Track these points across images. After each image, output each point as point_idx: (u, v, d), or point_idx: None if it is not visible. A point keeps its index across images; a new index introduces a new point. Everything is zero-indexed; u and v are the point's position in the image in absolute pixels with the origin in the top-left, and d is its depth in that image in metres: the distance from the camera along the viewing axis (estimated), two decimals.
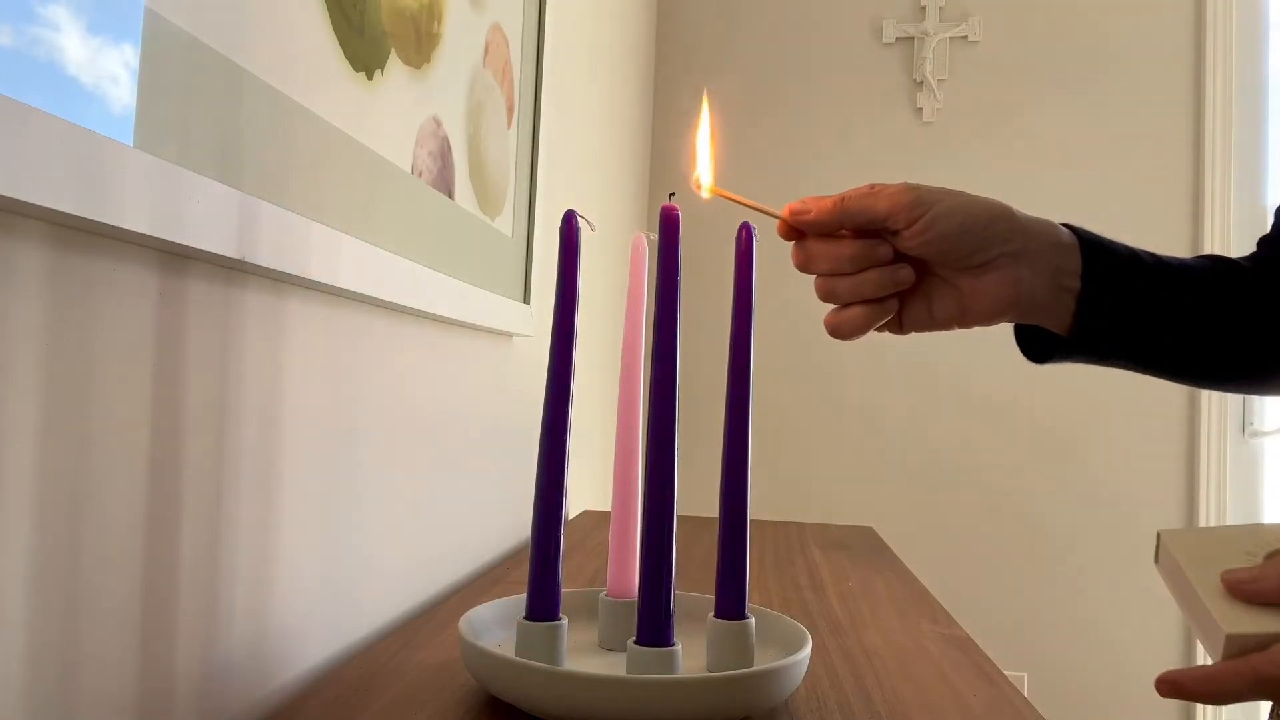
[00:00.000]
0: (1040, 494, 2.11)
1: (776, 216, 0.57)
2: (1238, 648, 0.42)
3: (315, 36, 0.58)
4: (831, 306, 0.57)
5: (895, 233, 0.54)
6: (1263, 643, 0.41)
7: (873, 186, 0.55)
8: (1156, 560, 0.48)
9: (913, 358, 2.19)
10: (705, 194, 0.59)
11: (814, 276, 0.57)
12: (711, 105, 0.58)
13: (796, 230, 0.57)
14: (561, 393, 0.56)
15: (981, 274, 0.56)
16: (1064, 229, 0.58)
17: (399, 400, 0.76)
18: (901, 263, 0.55)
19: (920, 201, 0.53)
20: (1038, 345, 0.62)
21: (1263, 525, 0.47)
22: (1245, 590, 0.42)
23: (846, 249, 0.55)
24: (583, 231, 0.57)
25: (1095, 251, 0.57)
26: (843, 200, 0.55)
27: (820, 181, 2.25)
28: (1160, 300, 0.57)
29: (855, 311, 0.56)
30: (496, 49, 0.95)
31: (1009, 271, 0.56)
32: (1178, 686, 0.42)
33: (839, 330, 0.57)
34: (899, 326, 0.59)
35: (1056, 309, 0.57)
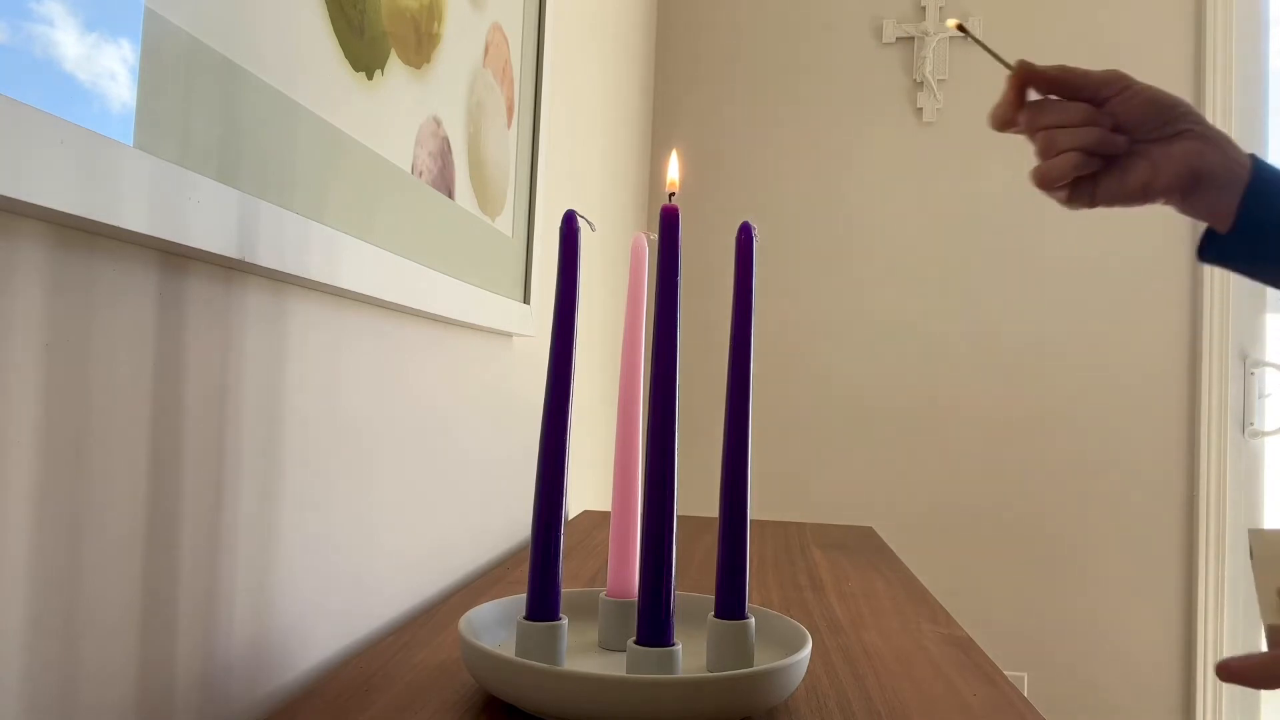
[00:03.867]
0: (1040, 494, 2.11)
1: (1010, 68, 0.68)
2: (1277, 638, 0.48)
3: (315, 36, 0.59)
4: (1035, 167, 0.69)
5: (1104, 101, 0.66)
6: None
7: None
8: (1251, 555, 0.56)
9: (913, 358, 2.19)
10: (950, 24, 0.73)
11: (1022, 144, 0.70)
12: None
13: (1022, 88, 0.68)
14: (561, 393, 0.56)
15: (1171, 143, 0.66)
16: (1239, 148, 0.69)
17: (399, 400, 0.76)
18: (1119, 135, 0.66)
19: (1124, 75, 0.66)
20: (1210, 246, 0.71)
21: None
22: None
23: (1076, 107, 0.66)
24: (583, 231, 0.57)
25: (1263, 164, 0.68)
26: (1063, 66, 0.67)
27: (820, 181, 2.25)
28: None
29: (1066, 157, 0.66)
30: (496, 49, 0.95)
31: (1194, 144, 0.66)
32: (1233, 672, 0.51)
33: (1048, 174, 0.67)
34: (1092, 198, 0.69)
35: (1226, 194, 0.67)
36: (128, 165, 0.40)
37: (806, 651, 0.55)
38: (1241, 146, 0.69)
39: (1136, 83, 0.66)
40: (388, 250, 0.68)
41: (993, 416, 2.15)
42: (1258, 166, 0.67)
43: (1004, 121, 0.70)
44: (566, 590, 0.59)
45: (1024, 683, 2.08)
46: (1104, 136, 0.66)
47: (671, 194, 0.57)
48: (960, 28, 0.73)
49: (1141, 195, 0.68)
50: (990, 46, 0.69)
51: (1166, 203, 0.69)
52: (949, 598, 1.24)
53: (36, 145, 0.35)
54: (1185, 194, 0.68)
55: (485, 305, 0.90)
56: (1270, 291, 2.10)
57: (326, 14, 0.60)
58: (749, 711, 0.51)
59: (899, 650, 0.71)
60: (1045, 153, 0.68)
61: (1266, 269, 0.68)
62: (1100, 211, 2.32)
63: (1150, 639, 2.06)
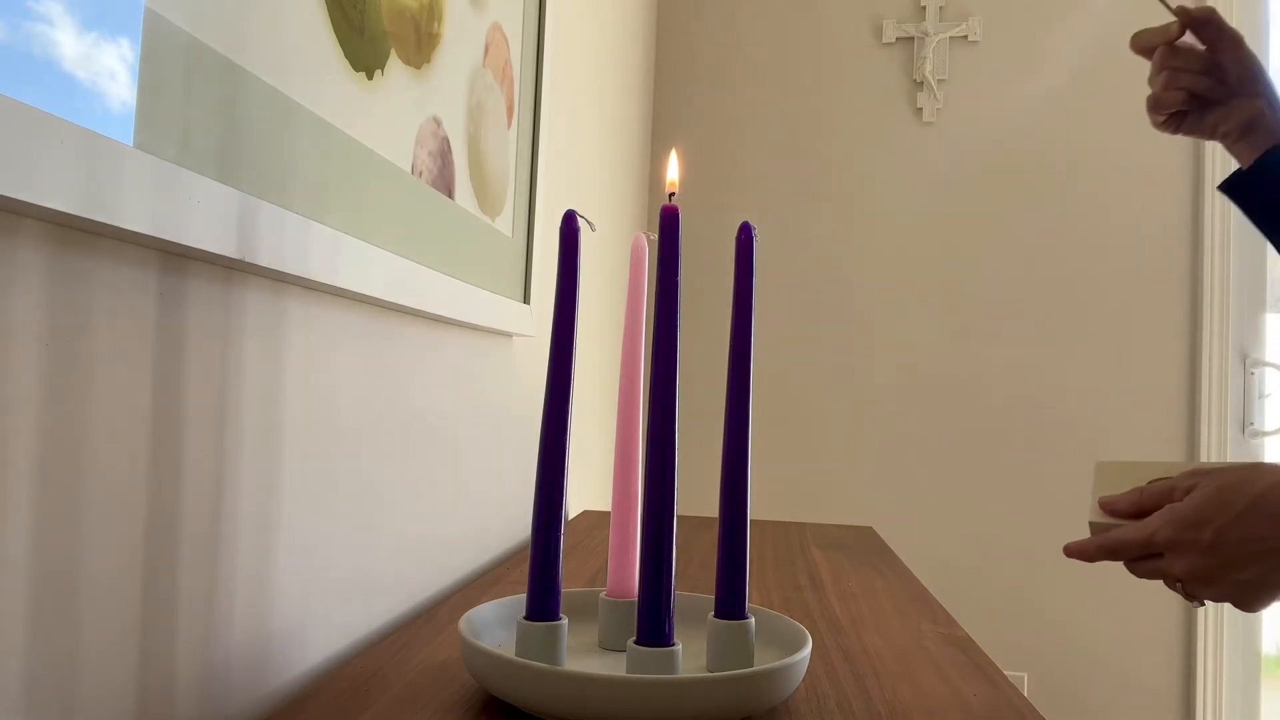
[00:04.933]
0: (1040, 494, 2.11)
1: (1174, 12, 0.89)
2: (1095, 532, 0.72)
3: (315, 36, 0.58)
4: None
5: (1220, 51, 0.88)
6: (1105, 528, 0.72)
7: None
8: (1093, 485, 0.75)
9: (913, 359, 2.19)
10: None
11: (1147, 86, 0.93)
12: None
13: (1181, 31, 0.89)
14: (561, 392, 0.56)
15: (1245, 100, 0.88)
16: None
17: (398, 400, 0.76)
18: (1221, 84, 0.89)
19: (1241, 38, 0.89)
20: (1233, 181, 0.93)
21: (1178, 463, 0.73)
22: (1108, 507, 0.73)
23: (1199, 56, 0.89)
24: (583, 231, 0.57)
25: None
26: (1212, 11, 0.88)
27: (820, 181, 2.25)
28: None
29: (1178, 94, 0.89)
30: (496, 49, 0.95)
31: (1259, 104, 0.88)
32: (1072, 551, 0.73)
33: (1162, 102, 0.91)
34: (1177, 128, 0.93)
35: (1263, 145, 0.88)
36: (128, 165, 0.40)
37: (806, 651, 0.55)
38: None
39: (1246, 47, 0.88)
40: (387, 250, 0.68)
41: (993, 416, 2.15)
42: None
43: (1146, 49, 0.92)
44: (566, 590, 0.59)
45: (1024, 683, 2.08)
46: (1211, 86, 0.88)
47: (671, 194, 0.57)
48: None
49: (1210, 133, 0.91)
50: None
51: (1224, 142, 0.92)
52: (949, 598, 1.24)
53: (36, 145, 0.35)
54: (1238, 139, 0.90)
55: (485, 305, 0.90)
56: (1270, 292, 2.10)
57: (326, 14, 0.60)
58: (749, 711, 0.51)
59: (899, 650, 0.71)
60: (1165, 86, 0.90)
61: (1263, 213, 0.91)
62: (1099, 210, 2.29)
63: (1150, 639, 2.06)
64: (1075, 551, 0.73)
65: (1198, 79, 0.88)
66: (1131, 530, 0.69)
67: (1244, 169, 0.90)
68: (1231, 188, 0.92)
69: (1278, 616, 2.07)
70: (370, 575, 0.72)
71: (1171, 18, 0.89)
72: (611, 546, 0.63)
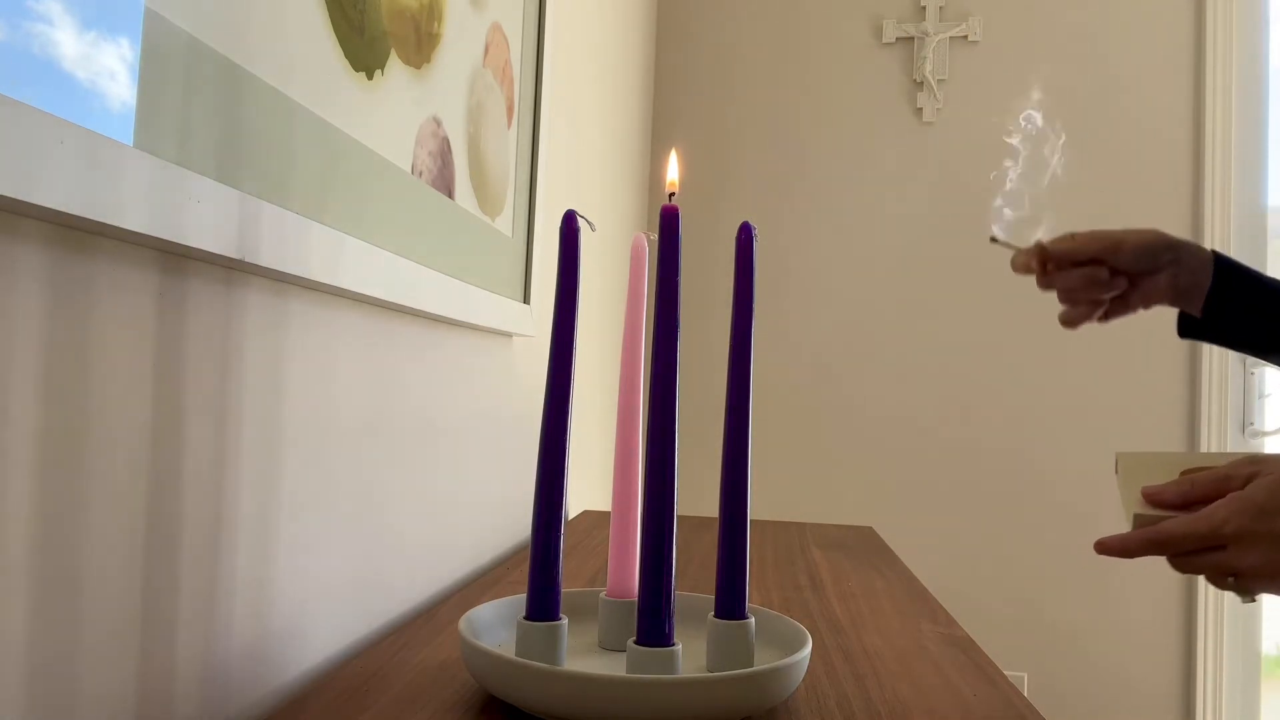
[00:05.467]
0: (1040, 494, 2.11)
1: (1022, 253, 0.87)
2: (1140, 524, 0.66)
3: (315, 36, 0.58)
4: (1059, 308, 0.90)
5: (1104, 260, 0.85)
6: (1153, 520, 0.66)
7: (1090, 235, 0.86)
8: (1116, 470, 0.73)
9: (913, 359, 2.19)
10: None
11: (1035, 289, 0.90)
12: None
13: (1042, 265, 0.86)
14: (561, 392, 0.56)
15: (1157, 275, 0.87)
16: (1203, 249, 0.88)
17: (398, 400, 0.76)
18: (1119, 277, 0.86)
19: (1115, 239, 0.85)
20: (1187, 328, 0.92)
21: (1207, 454, 0.69)
22: (1154, 498, 0.67)
23: (1091, 274, 0.86)
24: (583, 231, 0.57)
25: (1223, 263, 0.87)
26: (1071, 241, 0.86)
27: (820, 181, 2.25)
28: (1266, 303, 0.86)
29: (1082, 309, 0.89)
30: (496, 49, 0.95)
31: (1172, 271, 0.87)
32: (1107, 547, 0.67)
33: (1073, 321, 0.89)
34: (1104, 318, 0.91)
35: (1198, 298, 0.87)
36: (128, 165, 0.40)
37: (806, 651, 0.55)
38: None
39: (1130, 238, 0.85)
40: (388, 250, 0.68)
41: (993, 415, 2.15)
42: (1216, 269, 0.87)
43: (1026, 273, 0.88)
44: (566, 590, 0.59)
45: (1024, 683, 2.08)
46: (1108, 287, 0.87)
47: (671, 194, 0.57)
48: (993, 239, 0.90)
49: (1140, 308, 0.90)
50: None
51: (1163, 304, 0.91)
52: (949, 598, 1.24)
53: (36, 145, 0.35)
54: (1173, 304, 0.89)
55: (485, 305, 0.90)
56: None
57: (326, 14, 0.60)
58: (749, 711, 0.51)
59: (899, 650, 0.71)
60: (1067, 303, 0.89)
61: (1232, 342, 0.91)
62: (1099, 209, 2.29)
63: (1150, 639, 2.06)
64: (1114, 548, 0.67)
65: (1096, 288, 0.87)
66: (1190, 522, 0.63)
67: (1197, 315, 0.88)
68: (1197, 331, 0.90)
69: (1278, 616, 2.07)
70: (370, 575, 0.72)
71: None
72: (611, 546, 0.63)
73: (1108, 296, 0.88)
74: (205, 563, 0.50)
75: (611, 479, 0.64)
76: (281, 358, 0.58)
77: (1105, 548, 0.67)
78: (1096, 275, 0.85)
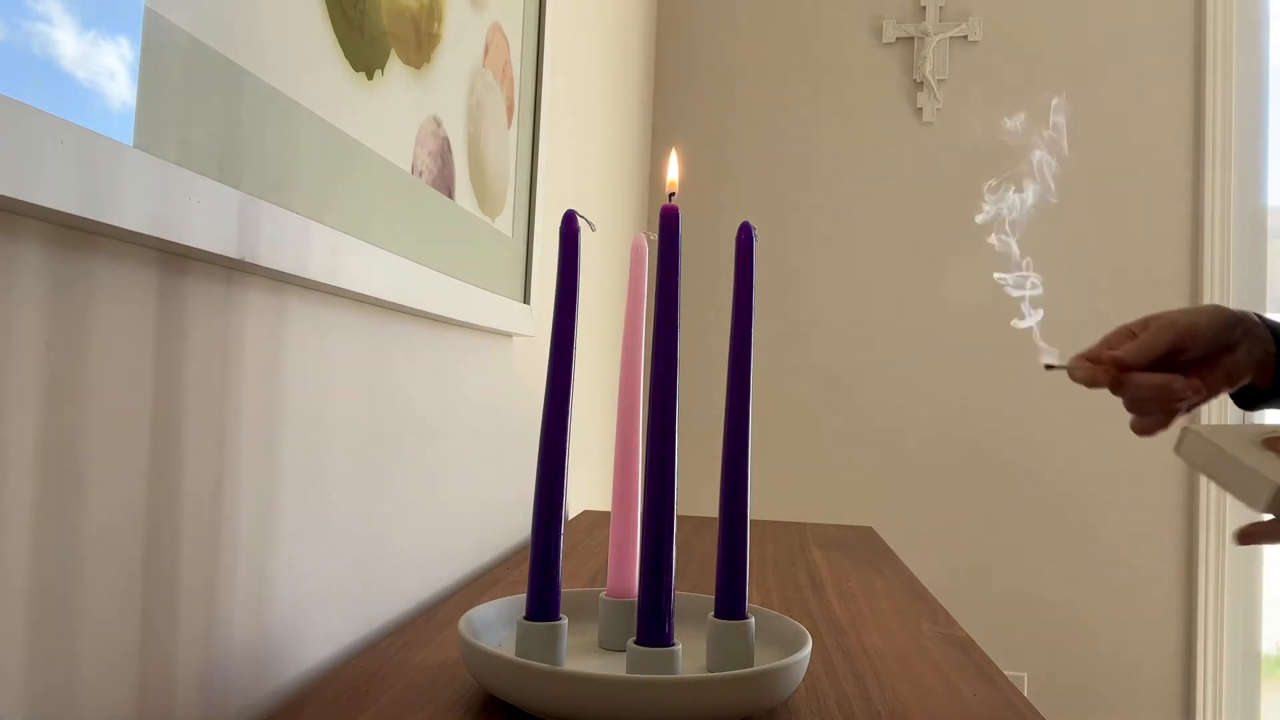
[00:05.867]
0: (1039, 494, 2.11)
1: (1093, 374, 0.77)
2: None
3: (315, 36, 0.58)
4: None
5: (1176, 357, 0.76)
6: None
7: (1146, 324, 0.78)
8: (1178, 448, 0.69)
9: (913, 359, 2.19)
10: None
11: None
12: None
13: (1117, 381, 0.76)
14: (561, 393, 0.56)
15: (1234, 351, 0.78)
16: (1254, 316, 0.81)
17: (398, 400, 0.76)
18: (1193, 380, 0.76)
19: (1185, 333, 0.76)
20: (1248, 400, 0.85)
21: (1263, 424, 0.65)
22: None
23: (1164, 387, 0.75)
24: (583, 231, 0.57)
25: (1272, 325, 0.81)
26: (1144, 349, 0.76)
27: (820, 181, 2.25)
28: None
29: (1156, 418, 0.78)
30: (496, 49, 0.95)
31: (1246, 345, 0.78)
32: (1251, 535, 0.64)
33: (1148, 430, 0.78)
34: (1187, 411, 0.79)
35: (1268, 366, 0.80)
36: (128, 165, 0.40)
37: (806, 651, 0.55)
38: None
39: (1200, 318, 0.76)
40: (387, 250, 0.68)
41: (993, 415, 2.15)
42: (1276, 335, 0.81)
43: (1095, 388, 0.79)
44: (566, 590, 0.59)
45: (1024, 683, 2.08)
46: (1182, 392, 0.76)
47: (671, 194, 0.57)
48: (1048, 367, 0.82)
49: (1224, 393, 0.81)
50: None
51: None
52: (949, 598, 1.24)
53: (36, 145, 0.35)
54: (1247, 378, 0.80)
55: (485, 305, 0.90)
56: (1270, 292, 2.10)
57: (326, 14, 0.60)
58: (749, 711, 0.51)
59: (899, 650, 0.71)
60: (1138, 414, 0.79)
61: None
62: (1099, 209, 2.29)
63: (1150, 639, 2.06)
64: (1265, 535, 0.65)
65: (1168, 397, 0.76)
66: None
67: (1264, 386, 0.80)
68: (1262, 400, 0.83)
69: (1278, 616, 2.07)
70: (370, 575, 0.72)
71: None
72: (611, 546, 0.63)
73: (1183, 405, 0.77)
74: (205, 562, 0.50)
75: (611, 479, 0.64)
76: (281, 358, 0.58)
77: (1253, 537, 0.65)
78: (1170, 387, 0.75)
